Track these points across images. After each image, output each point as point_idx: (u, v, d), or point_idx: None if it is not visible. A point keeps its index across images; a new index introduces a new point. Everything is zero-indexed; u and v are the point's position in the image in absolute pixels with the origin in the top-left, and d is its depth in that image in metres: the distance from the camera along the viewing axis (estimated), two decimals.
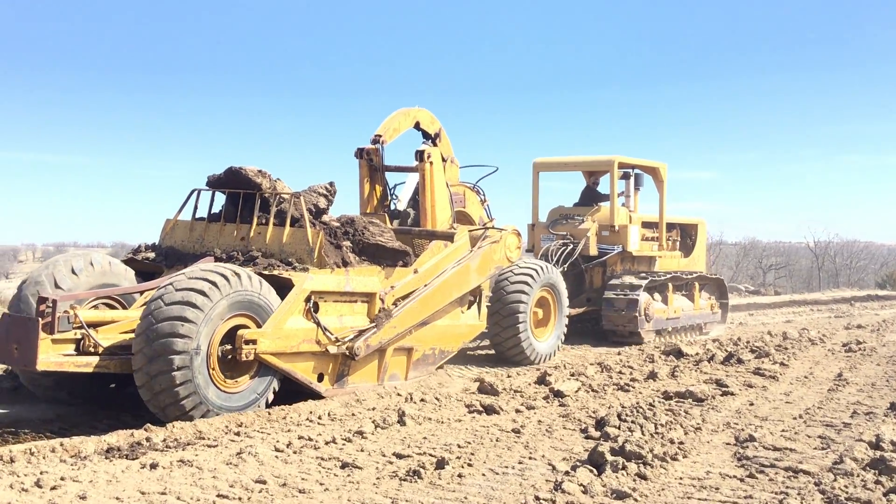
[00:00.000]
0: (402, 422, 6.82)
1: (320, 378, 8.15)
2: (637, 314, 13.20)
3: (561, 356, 11.63)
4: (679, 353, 10.77)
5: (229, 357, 7.38)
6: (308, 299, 7.90)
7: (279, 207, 8.60)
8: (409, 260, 9.08)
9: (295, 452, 5.87)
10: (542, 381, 8.79)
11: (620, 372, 9.55)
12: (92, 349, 7.18)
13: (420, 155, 10.17)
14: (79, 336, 7.17)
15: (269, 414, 7.10)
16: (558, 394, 8.13)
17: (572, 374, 9.25)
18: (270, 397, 7.72)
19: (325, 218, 8.84)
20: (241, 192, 8.81)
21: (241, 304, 7.39)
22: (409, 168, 10.54)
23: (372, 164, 10.51)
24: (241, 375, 7.52)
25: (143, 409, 7.15)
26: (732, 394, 8.23)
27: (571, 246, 13.50)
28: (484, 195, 11.67)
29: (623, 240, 13.87)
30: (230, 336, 7.37)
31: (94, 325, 7.37)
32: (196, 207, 8.96)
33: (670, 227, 15.50)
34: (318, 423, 6.91)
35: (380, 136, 10.19)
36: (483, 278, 9.99)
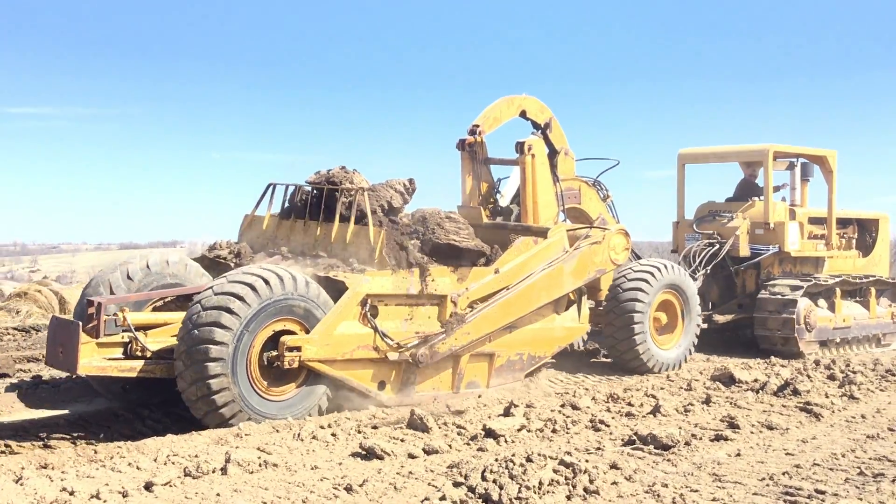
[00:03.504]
0: (224, 470, 5.43)
1: (381, 386, 7.60)
2: (794, 322, 11.68)
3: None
4: (731, 380, 9.00)
5: (276, 363, 6.99)
6: (364, 303, 7.36)
7: (349, 200, 8.13)
8: (493, 258, 8.34)
9: None
10: (507, 412, 7.23)
11: (629, 403, 7.92)
12: (139, 353, 7.01)
13: (520, 147, 9.41)
14: (127, 339, 7.03)
15: (96, 452, 6.02)
16: (490, 433, 6.58)
17: (562, 405, 7.67)
18: (324, 406, 7.26)
19: (399, 216, 8.28)
20: (312, 187, 8.45)
21: (285, 309, 6.98)
22: (513, 161, 9.77)
23: (475, 156, 9.84)
24: (288, 383, 7.12)
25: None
26: (727, 439, 6.61)
27: (717, 246, 12.15)
28: (606, 191, 10.72)
29: (780, 239, 12.31)
30: (275, 342, 6.99)
31: (146, 328, 7.21)
32: (271, 203, 8.69)
33: (845, 222, 13.68)
34: (136, 468, 5.50)
35: (477, 126, 9.49)
36: (580, 282, 9.01)
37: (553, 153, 9.99)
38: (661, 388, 8.84)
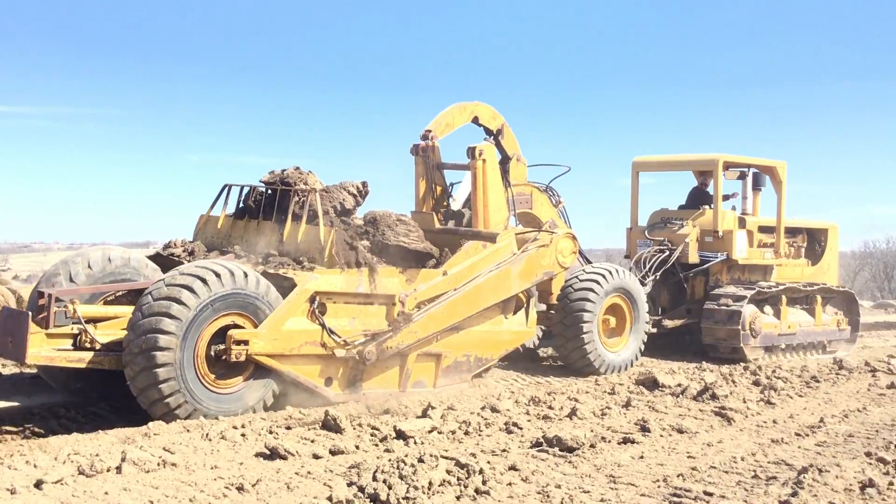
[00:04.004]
0: (119, 469, 5.32)
1: (328, 382, 7.77)
2: (740, 328, 12.00)
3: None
4: (654, 384, 9.17)
5: (223, 357, 7.15)
6: (312, 300, 7.54)
7: (303, 200, 8.31)
8: (442, 261, 8.56)
9: None
10: (424, 413, 7.25)
11: (550, 406, 7.95)
12: (88, 345, 7.14)
13: (471, 152, 9.62)
14: (77, 331, 7.16)
15: (24, 445, 6.07)
16: (400, 435, 6.58)
17: (483, 407, 7.76)
18: (269, 400, 7.42)
19: (351, 217, 8.48)
20: (267, 187, 8.63)
21: (234, 303, 7.14)
22: (465, 166, 10.00)
23: (428, 161, 10.06)
24: (235, 376, 7.28)
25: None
26: (634, 442, 6.68)
27: (668, 252, 12.46)
28: (558, 196, 10.97)
29: (728, 246, 12.66)
30: (224, 336, 7.14)
31: (96, 321, 7.34)
32: (226, 203, 8.85)
33: (795, 232, 14.08)
34: (33, 466, 5.39)
35: (430, 131, 9.72)
36: (527, 284, 9.25)
37: (505, 159, 10.23)
38: (586, 392, 8.96)
